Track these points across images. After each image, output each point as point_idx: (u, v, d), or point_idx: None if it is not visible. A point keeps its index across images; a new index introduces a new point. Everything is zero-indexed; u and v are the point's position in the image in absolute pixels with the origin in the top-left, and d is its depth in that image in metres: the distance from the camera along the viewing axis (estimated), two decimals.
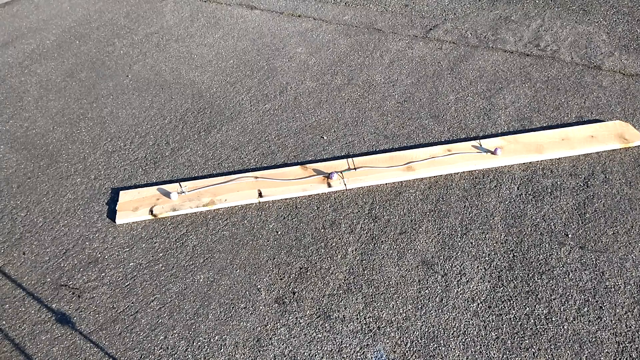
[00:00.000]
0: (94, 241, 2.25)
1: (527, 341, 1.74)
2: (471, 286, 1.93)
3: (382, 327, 1.83)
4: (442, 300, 1.89)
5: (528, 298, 1.87)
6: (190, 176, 2.55)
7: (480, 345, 1.75)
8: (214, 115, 2.96)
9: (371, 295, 1.94)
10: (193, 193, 2.38)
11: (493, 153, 2.44)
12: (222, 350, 1.80)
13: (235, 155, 2.65)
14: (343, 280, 2.00)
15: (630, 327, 1.76)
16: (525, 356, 1.70)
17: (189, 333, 1.87)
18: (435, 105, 2.87)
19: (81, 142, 2.85)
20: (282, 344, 1.80)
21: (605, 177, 2.33)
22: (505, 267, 1.99)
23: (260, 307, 1.93)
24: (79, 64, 3.56)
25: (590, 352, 1.70)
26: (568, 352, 1.70)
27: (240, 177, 2.45)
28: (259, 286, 2.01)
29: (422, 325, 1.82)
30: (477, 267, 2.00)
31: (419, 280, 1.97)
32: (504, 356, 1.71)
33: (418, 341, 1.78)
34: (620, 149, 2.46)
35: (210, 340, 1.84)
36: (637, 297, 1.84)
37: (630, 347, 1.70)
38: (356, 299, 1.92)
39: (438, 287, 1.94)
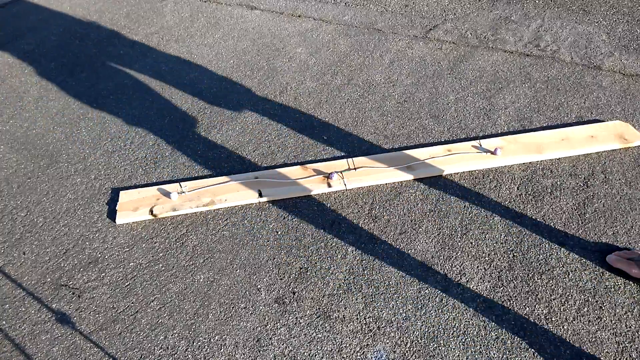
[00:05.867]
0: (94, 241, 2.25)
1: (527, 341, 1.74)
2: (471, 286, 1.93)
3: (382, 327, 1.83)
4: (442, 300, 1.89)
5: (528, 298, 1.87)
6: (190, 176, 2.55)
7: (480, 345, 1.75)
8: (214, 115, 2.96)
9: (371, 295, 1.94)
10: (193, 193, 2.38)
11: (493, 153, 2.44)
12: (222, 350, 1.80)
13: (235, 155, 2.65)
14: (343, 280, 2.00)
15: (630, 327, 1.76)
16: (525, 356, 1.70)
17: (189, 333, 1.87)
18: (435, 105, 2.87)
19: (81, 142, 2.85)
20: (282, 344, 1.80)
21: (605, 177, 2.33)
22: (505, 267, 1.99)
23: (260, 307, 1.93)
24: (79, 64, 3.57)
25: (590, 352, 1.70)
26: (568, 352, 1.70)
27: (240, 177, 2.45)
28: (259, 286, 2.01)
29: (422, 325, 1.82)
30: (477, 267, 2.00)
31: (419, 280, 1.97)
32: (504, 356, 1.71)
33: (418, 341, 1.78)
34: (620, 149, 2.46)
35: (210, 340, 1.84)
36: (637, 297, 1.84)
37: (630, 347, 1.70)
38: (356, 299, 1.92)
39: (438, 287, 1.94)
